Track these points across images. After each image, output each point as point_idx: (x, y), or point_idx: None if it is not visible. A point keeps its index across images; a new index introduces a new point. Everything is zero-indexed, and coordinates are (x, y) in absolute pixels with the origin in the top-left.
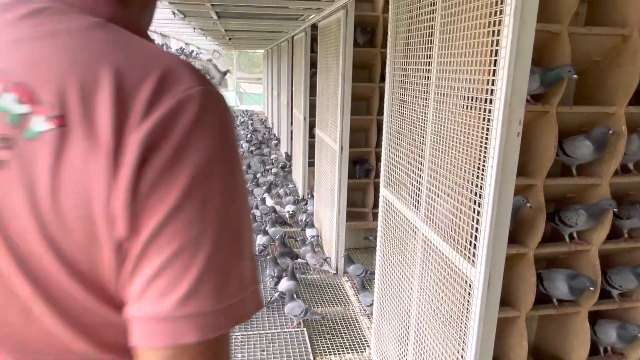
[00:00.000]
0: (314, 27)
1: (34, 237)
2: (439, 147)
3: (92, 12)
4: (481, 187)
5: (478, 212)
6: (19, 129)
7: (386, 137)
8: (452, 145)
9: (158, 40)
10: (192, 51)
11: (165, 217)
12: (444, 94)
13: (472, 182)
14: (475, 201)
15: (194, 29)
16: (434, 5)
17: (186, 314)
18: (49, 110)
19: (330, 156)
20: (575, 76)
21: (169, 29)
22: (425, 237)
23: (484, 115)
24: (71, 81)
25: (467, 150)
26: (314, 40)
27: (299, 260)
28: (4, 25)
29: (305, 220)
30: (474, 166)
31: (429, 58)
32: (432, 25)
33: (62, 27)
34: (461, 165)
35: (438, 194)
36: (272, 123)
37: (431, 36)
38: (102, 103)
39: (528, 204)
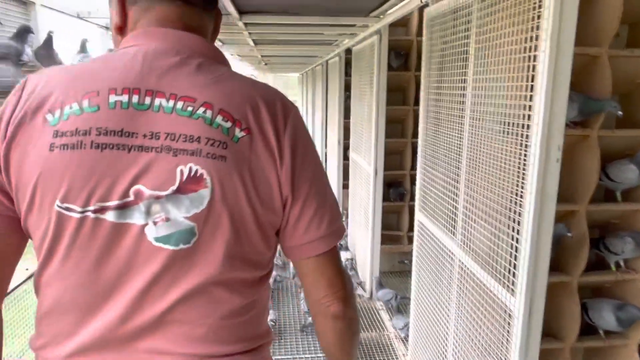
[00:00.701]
0: (348, 51)
1: (242, 199)
2: (475, 172)
3: (222, 62)
4: (519, 214)
5: (517, 239)
6: (229, 136)
7: (421, 160)
8: (489, 170)
9: None
10: None
11: (310, 185)
12: (479, 118)
13: (510, 208)
14: (513, 228)
15: (232, 54)
16: (467, 31)
17: (332, 232)
18: (241, 124)
19: (364, 179)
20: (620, 113)
21: None
22: (462, 263)
23: (522, 141)
24: (247, 107)
25: (504, 175)
26: (348, 64)
27: None
28: (188, 74)
29: (339, 242)
30: (511, 192)
31: (464, 82)
32: (467, 50)
33: (221, 74)
34: (498, 191)
35: (475, 220)
36: None
37: (466, 60)
38: (264, 118)
39: (569, 234)
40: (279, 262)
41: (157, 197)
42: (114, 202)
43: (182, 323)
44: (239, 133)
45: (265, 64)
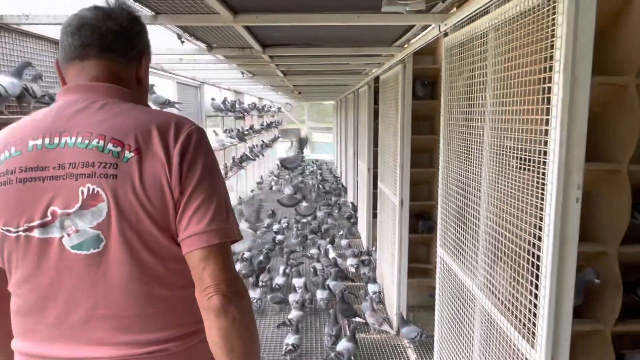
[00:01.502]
0: (377, 79)
1: (136, 208)
2: (494, 210)
3: (129, 100)
4: (538, 258)
5: (536, 285)
6: (120, 158)
7: (442, 194)
8: (507, 208)
9: (231, 97)
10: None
11: (194, 185)
12: (497, 152)
13: (528, 251)
14: (532, 272)
15: (264, 85)
16: (484, 60)
17: (212, 229)
18: (131, 147)
19: (391, 210)
20: (597, 281)
21: (241, 86)
22: (484, 307)
23: (538, 178)
24: (137, 133)
25: (522, 215)
26: (377, 92)
27: (357, 319)
28: (92, 112)
29: (367, 274)
30: (530, 234)
31: (482, 114)
32: (484, 80)
33: (121, 109)
34: (517, 232)
35: (495, 261)
36: (340, 173)
37: (483, 91)
38: (154, 139)
39: (597, 280)
40: (301, 284)
41: (67, 214)
42: (36, 222)
43: (110, 317)
44: (128, 154)
45: (299, 93)
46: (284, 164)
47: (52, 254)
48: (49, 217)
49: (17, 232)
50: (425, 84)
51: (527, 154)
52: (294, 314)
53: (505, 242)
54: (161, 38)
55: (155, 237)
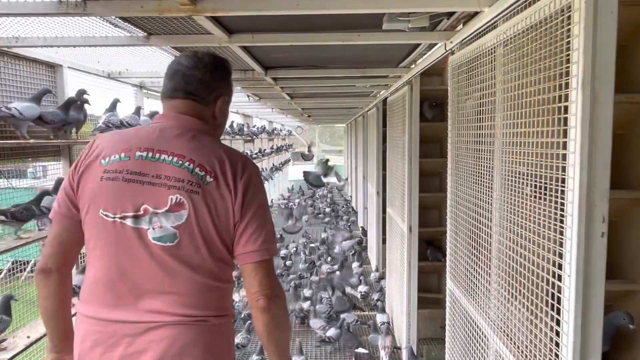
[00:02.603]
0: (385, 101)
1: (207, 220)
2: (507, 243)
3: (210, 135)
4: (559, 301)
5: (557, 331)
6: (202, 180)
7: (450, 222)
8: (522, 242)
9: (240, 120)
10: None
11: (252, 214)
12: (509, 177)
13: (547, 291)
14: (552, 317)
15: (272, 109)
16: (493, 79)
17: (263, 248)
18: (211, 173)
19: (399, 236)
20: (632, 326)
21: (250, 109)
22: (497, 352)
23: (557, 209)
24: (216, 163)
25: (539, 250)
26: (385, 114)
27: (361, 350)
28: (186, 140)
29: (376, 300)
30: (549, 271)
31: (492, 137)
32: (493, 100)
33: (206, 142)
34: (533, 268)
35: (510, 301)
36: (351, 196)
37: (492, 112)
38: (227, 169)
39: (631, 326)
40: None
41: (156, 213)
42: (131, 213)
43: (172, 293)
44: (208, 178)
45: (309, 116)
46: (309, 179)
47: (137, 240)
48: (142, 212)
49: (114, 218)
50: (434, 105)
51: (543, 181)
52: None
53: (520, 279)
54: (158, 59)
55: (215, 243)
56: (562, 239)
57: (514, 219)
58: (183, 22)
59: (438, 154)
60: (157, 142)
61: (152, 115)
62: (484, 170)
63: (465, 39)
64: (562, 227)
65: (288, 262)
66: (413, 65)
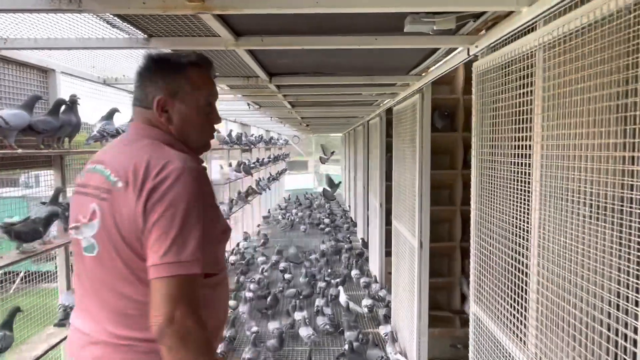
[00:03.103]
0: (389, 111)
1: (113, 229)
2: (552, 268)
3: (155, 138)
4: (635, 343)
5: None
6: (114, 186)
7: (474, 240)
8: (574, 268)
9: (237, 129)
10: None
11: (157, 218)
12: (554, 194)
13: (609, 326)
14: (617, 355)
15: (271, 117)
16: (530, 86)
17: (163, 263)
18: (122, 178)
19: (408, 252)
20: None
21: (247, 118)
22: None
23: (623, 234)
24: (131, 167)
25: (599, 279)
26: (389, 124)
27: None
28: (121, 147)
29: (384, 316)
30: (613, 305)
31: (529, 149)
32: (530, 109)
33: (138, 146)
34: (590, 299)
35: (555, 331)
36: (349, 206)
37: (529, 122)
38: (140, 172)
39: None
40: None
41: (83, 223)
42: (73, 224)
43: (102, 307)
44: (119, 184)
45: (307, 125)
46: (327, 195)
47: (80, 250)
48: (78, 224)
49: (71, 228)
50: (445, 114)
51: (603, 200)
52: None
53: (571, 310)
54: None
55: (127, 253)
56: (633, 268)
57: (562, 241)
58: (187, 22)
59: (448, 166)
60: (102, 153)
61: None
62: (517, 184)
63: (494, 42)
64: (629, 255)
65: (287, 275)
66: (424, 73)
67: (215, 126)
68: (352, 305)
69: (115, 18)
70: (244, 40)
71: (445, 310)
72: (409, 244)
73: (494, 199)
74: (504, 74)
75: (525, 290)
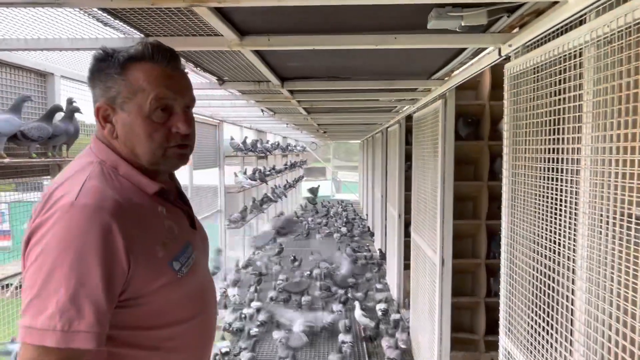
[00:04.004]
0: (409, 117)
1: None
2: (606, 297)
3: (93, 158)
4: None
5: None
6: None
7: (506, 265)
8: (631, 309)
9: (253, 136)
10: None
11: (27, 266)
12: (605, 219)
13: None
14: None
15: (287, 124)
16: (576, 89)
17: (21, 325)
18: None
19: (428, 268)
20: None
21: (263, 125)
22: None
23: None
24: (46, 195)
25: None
26: (408, 131)
27: None
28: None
29: (400, 341)
30: None
31: (575, 164)
32: (578, 116)
33: (70, 166)
34: None
35: None
36: (367, 215)
37: (576, 131)
38: (40, 204)
39: None
40: None
41: None
42: None
43: None
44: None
45: (324, 132)
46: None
47: None
48: None
49: None
50: (470, 122)
51: None
52: None
53: (634, 350)
54: None
55: None
56: None
57: (622, 270)
58: (186, 20)
59: (472, 176)
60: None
61: None
62: (559, 200)
63: (531, 40)
64: None
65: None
66: (447, 78)
67: (231, 133)
68: (367, 321)
69: (109, 17)
70: (249, 40)
71: (469, 332)
72: (429, 259)
73: (529, 217)
74: (542, 77)
75: (568, 327)
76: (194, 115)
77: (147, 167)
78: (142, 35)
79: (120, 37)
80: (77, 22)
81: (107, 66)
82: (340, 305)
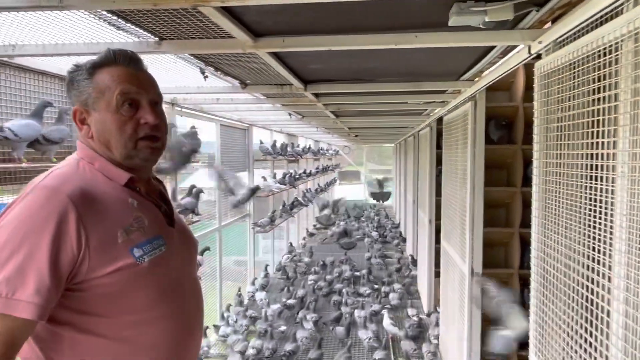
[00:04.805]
0: (440, 120)
1: None
2: None
3: (76, 158)
4: None
5: None
6: None
7: (535, 279)
8: None
9: (283, 140)
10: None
11: None
12: None
13: None
14: None
15: (317, 128)
16: (611, 88)
17: None
18: None
19: (457, 278)
20: None
21: (294, 129)
22: None
23: None
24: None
25: None
26: (439, 135)
27: None
28: None
29: (430, 352)
30: None
31: (612, 172)
32: (614, 118)
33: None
34: None
35: None
36: (399, 220)
37: (613, 134)
38: None
39: None
40: None
41: None
42: None
43: None
44: None
45: (356, 136)
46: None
47: None
48: None
49: None
50: (502, 125)
51: None
52: None
53: None
54: (190, 75)
55: None
56: None
57: None
58: (199, 23)
59: (505, 182)
60: None
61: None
62: (594, 207)
63: (563, 36)
64: None
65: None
66: (477, 79)
67: (261, 137)
68: (395, 330)
69: (121, 20)
70: (263, 41)
71: None
72: (458, 269)
73: (563, 228)
74: (575, 75)
75: (607, 345)
76: (222, 118)
77: (122, 163)
78: (157, 39)
79: (135, 40)
80: (92, 27)
81: (77, 75)
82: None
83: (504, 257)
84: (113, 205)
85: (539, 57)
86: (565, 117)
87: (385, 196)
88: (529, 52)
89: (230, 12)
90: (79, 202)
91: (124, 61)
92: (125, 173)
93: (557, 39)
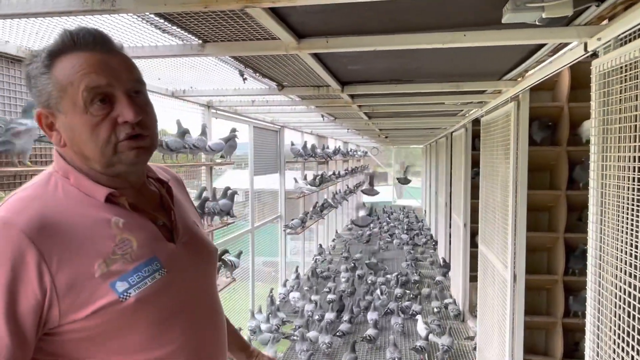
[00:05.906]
0: (476, 121)
1: None
2: None
3: (50, 171)
4: None
5: None
6: None
7: (593, 287)
8: None
9: (313, 141)
10: None
11: None
12: None
13: None
14: None
15: (347, 129)
16: None
17: None
18: None
19: (498, 284)
20: None
21: (324, 130)
22: None
23: None
24: None
25: None
26: (475, 136)
27: None
28: None
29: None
30: None
31: None
32: None
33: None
34: None
35: None
36: (430, 222)
37: None
38: None
39: None
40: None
41: None
42: None
43: None
44: None
45: (386, 137)
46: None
47: None
48: None
49: None
50: (547, 126)
51: None
52: None
53: None
54: (220, 75)
55: None
56: None
57: None
58: (243, 24)
59: (548, 185)
60: None
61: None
62: None
63: (626, 32)
64: None
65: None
66: (520, 78)
67: (292, 138)
68: (430, 336)
69: (166, 23)
70: (307, 42)
71: (543, 355)
72: (498, 274)
73: (622, 232)
74: (638, 75)
75: None
76: (255, 120)
77: (105, 173)
78: (200, 41)
79: (179, 44)
80: (136, 31)
81: (34, 68)
82: (400, 318)
83: (547, 263)
84: (88, 231)
85: (593, 55)
86: (627, 118)
87: (406, 182)
88: (585, 49)
89: (276, 13)
90: (37, 236)
91: (87, 44)
92: (102, 188)
93: (618, 35)
